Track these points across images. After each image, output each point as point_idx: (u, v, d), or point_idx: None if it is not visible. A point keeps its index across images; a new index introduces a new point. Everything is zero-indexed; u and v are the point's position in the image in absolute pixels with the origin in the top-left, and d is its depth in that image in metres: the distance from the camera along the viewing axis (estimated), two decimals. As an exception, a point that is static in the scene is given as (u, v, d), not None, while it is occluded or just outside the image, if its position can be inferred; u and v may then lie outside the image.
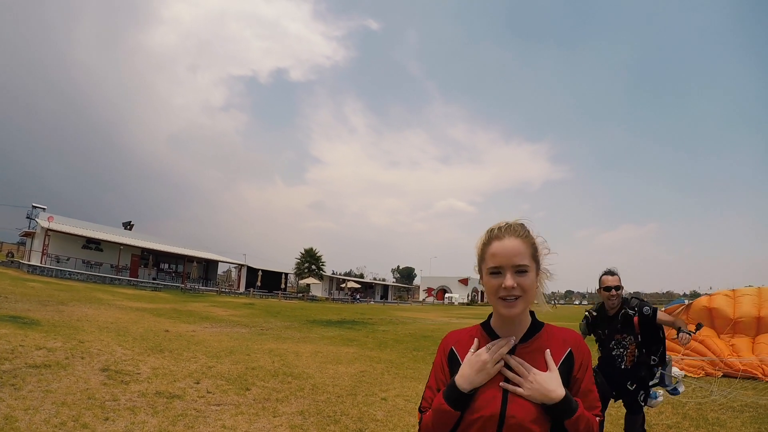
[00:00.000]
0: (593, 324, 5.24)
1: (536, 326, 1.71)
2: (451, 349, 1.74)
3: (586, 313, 5.36)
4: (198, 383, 8.22)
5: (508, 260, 1.58)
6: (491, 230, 1.68)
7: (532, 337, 1.67)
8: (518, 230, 1.66)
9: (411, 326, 24.84)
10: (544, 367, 1.59)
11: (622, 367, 4.95)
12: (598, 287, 5.14)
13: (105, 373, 8.08)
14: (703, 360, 10.44)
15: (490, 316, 1.75)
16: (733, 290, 11.52)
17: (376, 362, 12.19)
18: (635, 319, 4.87)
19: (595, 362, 4.64)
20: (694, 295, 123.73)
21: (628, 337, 4.93)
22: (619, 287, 4.94)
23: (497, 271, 1.60)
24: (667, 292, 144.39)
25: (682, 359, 10.38)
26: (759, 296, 10.96)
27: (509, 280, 1.56)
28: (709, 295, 11.78)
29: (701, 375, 10.45)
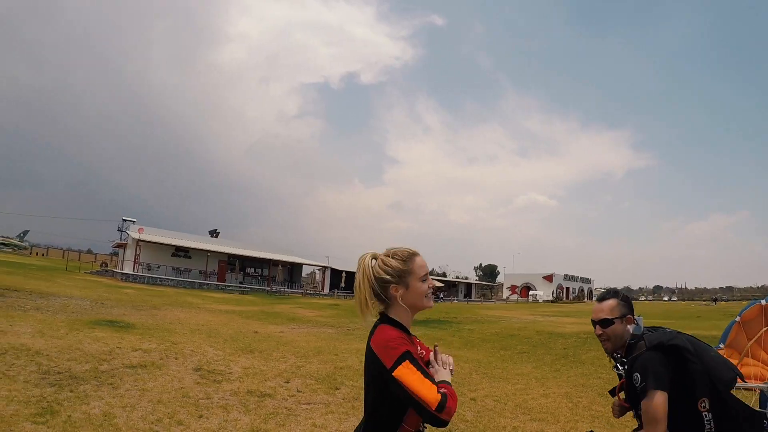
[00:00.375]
0: None
1: None
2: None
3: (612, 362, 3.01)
4: (288, 382, 8.26)
5: (426, 270, 2.15)
6: (405, 250, 2.17)
7: None
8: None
9: (497, 325, 24.35)
10: None
11: None
12: None
13: (198, 373, 8.25)
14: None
15: (389, 320, 2.10)
16: None
17: (463, 362, 11.95)
18: (618, 384, 2.84)
19: None
20: None
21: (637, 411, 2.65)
22: (607, 322, 2.75)
23: (425, 278, 2.12)
24: (762, 286, 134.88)
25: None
26: None
27: (433, 282, 2.17)
28: None
29: None
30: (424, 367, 1.94)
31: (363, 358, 7.95)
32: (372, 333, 2.08)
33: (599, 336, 2.80)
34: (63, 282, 27.07)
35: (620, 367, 2.73)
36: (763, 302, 9.40)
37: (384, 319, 2.11)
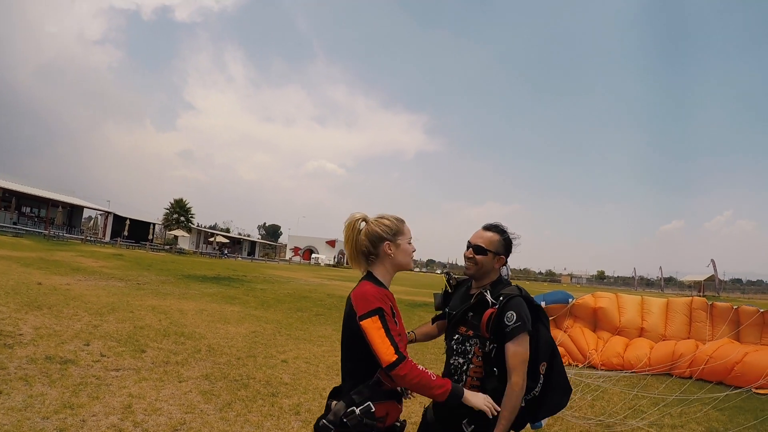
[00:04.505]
0: (446, 297, 2.98)
1: None
2: (392, 309, 2.20)
3: (444, 275, 3.09)
4: (88, 345, 7.36)
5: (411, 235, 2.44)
6: (394, 216, 2.42)
7: None
8: None
9: (287, 286, 24.43)
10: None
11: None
12: None
13: (-17, 335, 6.97)
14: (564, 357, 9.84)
15: (372, 278, 2.32)
16: (616, 294, 11.23)
17: (264, 322, 11.76)
18: (487, 312, 2.52)
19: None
20: (550, 274, 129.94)
21: (473, 337, 2.61)
22: (481, 250, 2.66)
23: (410, 241, 2.41)
24: (524, 269, 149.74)
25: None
26: (641, 306, 10.71)
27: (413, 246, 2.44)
28: (594, 295, 11.12)
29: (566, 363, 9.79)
30: (393, 326, 2.11)
31: (162, 317, 7.42)
32: (354, 288, 2.27)
33: (468, 258, 2.70)
34: None
35: (488, 295, 2.58)
36: (571, 300, 10.58)
37: (368, 276, 2.32)
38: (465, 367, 2.59)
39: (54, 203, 51.64)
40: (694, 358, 8.98)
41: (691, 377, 8.78)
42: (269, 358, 8.05)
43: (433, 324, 3.01)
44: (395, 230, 2.35)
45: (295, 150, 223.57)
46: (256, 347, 8.81)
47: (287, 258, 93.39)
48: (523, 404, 2.42)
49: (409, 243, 2.40)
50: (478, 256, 2.67)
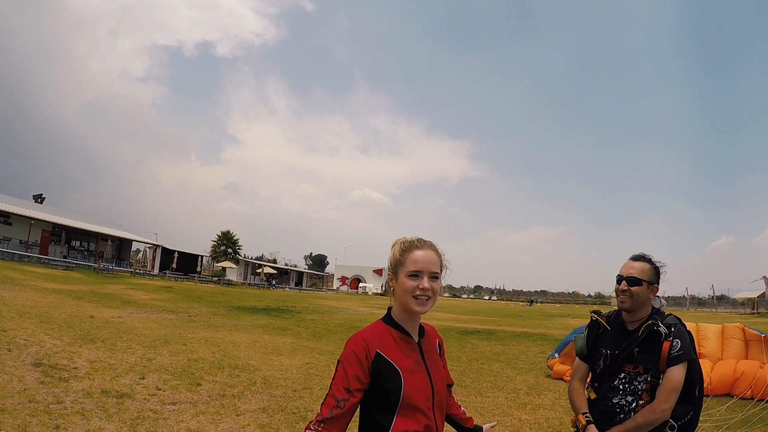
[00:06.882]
0: (597, 338, 2.84)
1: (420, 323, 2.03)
2: (377, 352, 1.80)
3: (593, 316, 2.92)
4: (143, 378, 7.35)
5: (427, 267, 1.86)
6: (411, 241, 1.95)
7: (424, 333, 2.00)
8: (434, 245, 1.96)
9: (337, 316, 24.32)
10: (439, 357, 2.03)
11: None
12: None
13: (39, 369, 7.02)
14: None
15: (387, 317, 1.95)
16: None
17: (317, 353, 11.63)
18: (666, 345, 2.51)
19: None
20: (599, 297, 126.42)
21: (644, 374, 2.57)
22: (636, 281, 2.63)
23: (416, 275, 1.85)
24: (573, 292, 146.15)
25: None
26: (697, 332, 10.27)
27: (426, 283, 1.84)
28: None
29: None
30: (339, 380, 1.77)
31: (215, 350, 7.30)
32: None
33: (622, 291, 2.67)
34: None
35: (662, 327, 2.54)
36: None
37: (386, 313, 1.99)
38: (633, 405, 2.58)
39: (103, 237, 53.07)
40: (756, 378, 8.64)
41: (752, 398, 8.44)
42: (325, 390, 7.85)
43: (578, 381, 2.88)
44: (397, 260, 1.93)
45: (339, 179, 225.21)
46: (311, 379, 8.68)
47: (335, 288, 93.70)
48: (675, 428, 2.48)
49: (411, 276, 1.87)
50: (633, 288, 2.65)
